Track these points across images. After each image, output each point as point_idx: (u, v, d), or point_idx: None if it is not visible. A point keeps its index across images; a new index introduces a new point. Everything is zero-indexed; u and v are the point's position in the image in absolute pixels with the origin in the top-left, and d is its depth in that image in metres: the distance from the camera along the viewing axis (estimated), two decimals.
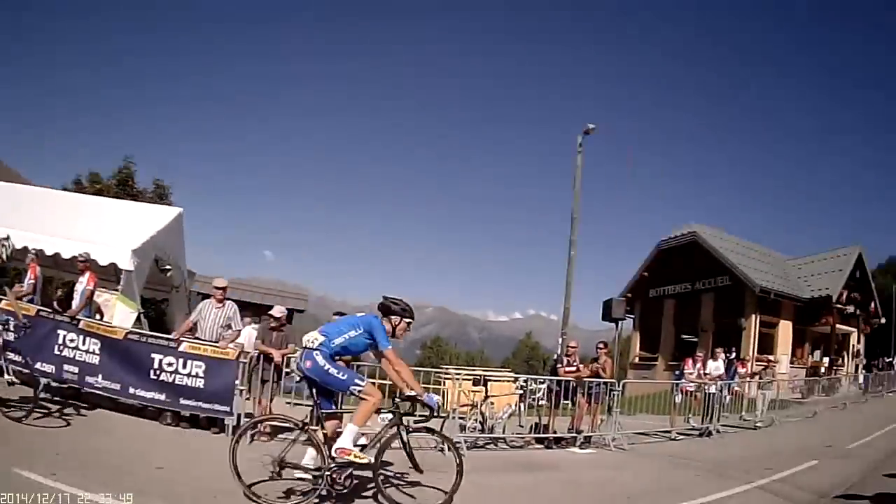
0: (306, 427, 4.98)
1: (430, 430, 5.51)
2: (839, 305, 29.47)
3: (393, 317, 5.23)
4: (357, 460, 4.70)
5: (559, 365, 10.92)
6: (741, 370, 16.74)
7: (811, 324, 29.69)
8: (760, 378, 16.55)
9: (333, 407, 5.32)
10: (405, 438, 5.10)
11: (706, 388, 12.81)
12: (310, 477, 4.82)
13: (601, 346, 11.26)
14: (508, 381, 12.67)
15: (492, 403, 9.90)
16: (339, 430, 4.99)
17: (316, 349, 4.87)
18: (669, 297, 30.81)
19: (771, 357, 25.15)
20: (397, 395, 5.31)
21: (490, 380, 10.90)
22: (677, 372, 14.36)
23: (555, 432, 9.97)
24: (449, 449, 5.37)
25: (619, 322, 15.26)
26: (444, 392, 11.20)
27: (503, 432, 9.70)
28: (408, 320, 5.25)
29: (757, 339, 26.56)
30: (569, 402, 10.39)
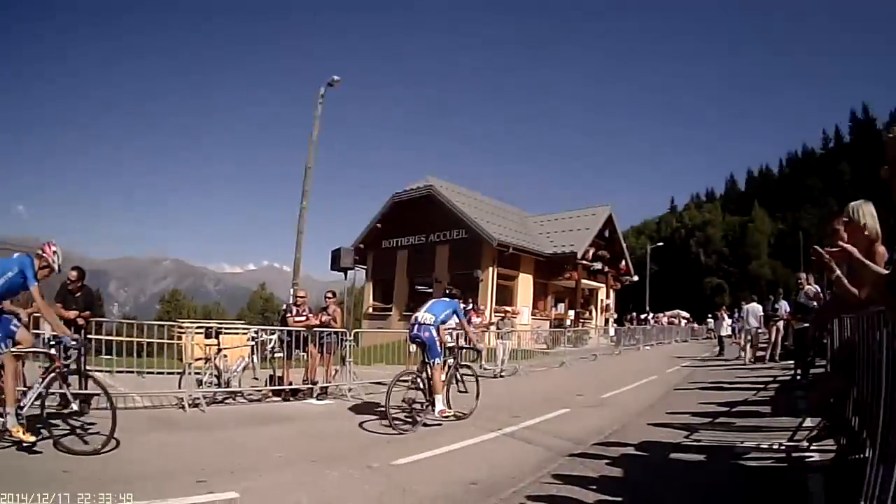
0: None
1: None
2: (585, 262, 31.61)
3: None
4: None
5: (288, 315, 10.92)
6: (476, 319, 16.12)
7: (554, 278, 31.79)
8: (498, 328, 16.78)
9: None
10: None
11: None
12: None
13: (329, 295, 11.65)
14: (240, 333, 12.42)
15: (225, 356, 10.00)
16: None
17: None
18: (403, 248, 31.86)
19: (509, 308, 25.59)
20: None
21: (221, 332, 10.89)
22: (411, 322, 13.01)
23: (290, 384, 10.09)
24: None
25: (348, 272, 15.26)
26: (182, 347, 10.67)
27: (239, 386, 9.88)
28: None
29: (495, 291, 27.82)
30: (303, 352, 10.59)
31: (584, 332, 28.49)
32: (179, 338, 11.32)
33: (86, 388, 6.77)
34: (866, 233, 3.75)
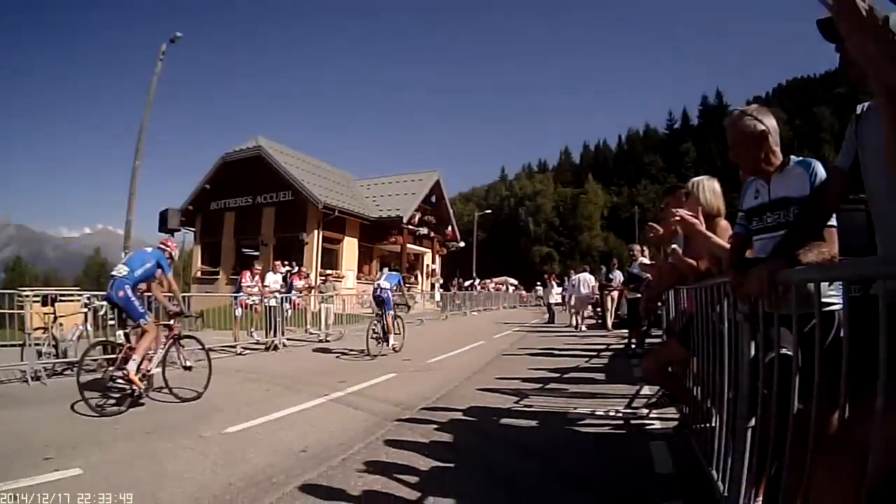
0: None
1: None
2: (411, 226, 32.44)
3: None
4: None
5: None
6: (298, 282, 16.01)
7: (379, 242, 32.49)
8: (321, 291, 16.66)
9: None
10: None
11: (266, 301, 13.38)
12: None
13: None
14: (75, 300, 11.69)
15: (61, 325, 9.78)
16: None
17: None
18: (230, 209, 31.37)
19: (332, 271, 25.85)
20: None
21: (56, 299, 10.57)
22: (237, 285, 14.50)
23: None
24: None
25: (175, 234, 16.22)
26: (24, 317, 10.03)
27: (76, 355, 9.23)
28: None
29: (320, 254, 28.14)
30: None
31: (411, 296, 28.95)
32: (21, 307, 10.79)
33: None
34: (700, 207, 3.86)
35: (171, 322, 7.64)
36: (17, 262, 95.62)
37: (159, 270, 7.31)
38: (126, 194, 17.34)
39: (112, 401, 6.53)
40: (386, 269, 14.02)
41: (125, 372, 6.52)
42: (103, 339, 10.10)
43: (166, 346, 7.42)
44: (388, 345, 11.65)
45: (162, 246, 7.66)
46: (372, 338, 11.38)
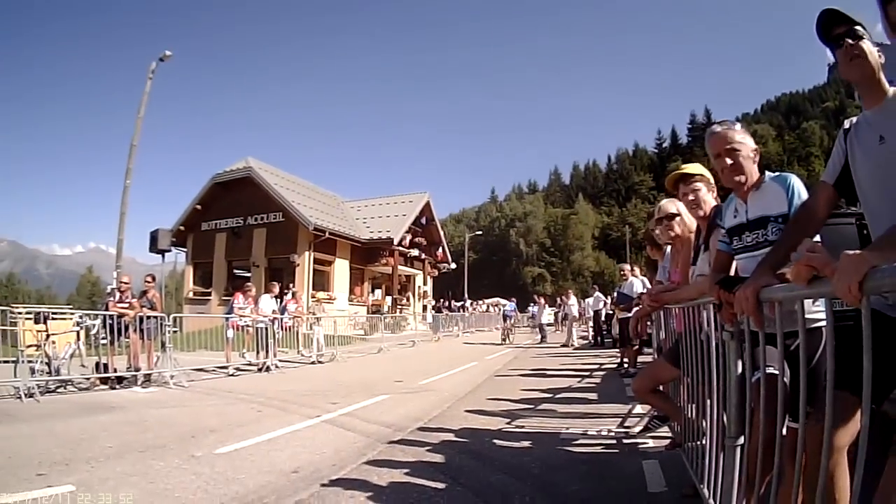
0: None
1: None
2: (402, 248, 32.78)
3: None
4: None
5: (111, 300, 11.16)
6: (292, 306, 16.35)
7: (370, 264, 32.62)
8: (314, 314, 17.35)
9: None
10: None
11: (256, 323, 13.51)
12: None
13: (148, 279, 11.78)
14: (67, 318, 12.04)
15: (53, 343, 9.99)
16: None
17: None
18: (222, 230, 31.20)
19: (323, 294, 27.05)
20: None
21: (49, 317, 10.52)
22: (229, 307, 14.79)
23: (115, 371, 10.37)
24: None
25: (165, 254, 15.57)
26: (16, 334, 10.45)
27: (68, 373, 10.07)
28: None
29: (311, 276, 28.06)
30: (126, 339, 10.83)
31: (402, 318, 29.61)
32: (14, 324, 11.16)
33: None
34: (685, 227, 4.05)
35: None
36: (10, 279, 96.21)
37: None
38: (118, 214, 17.47)
39: None
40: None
41: None
42: (96, 357, 10.64)
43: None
44: None
45: None
46: None
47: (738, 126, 2.82)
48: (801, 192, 2.56)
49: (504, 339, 22.62)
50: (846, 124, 2.14)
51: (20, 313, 10.53)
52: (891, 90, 2.00)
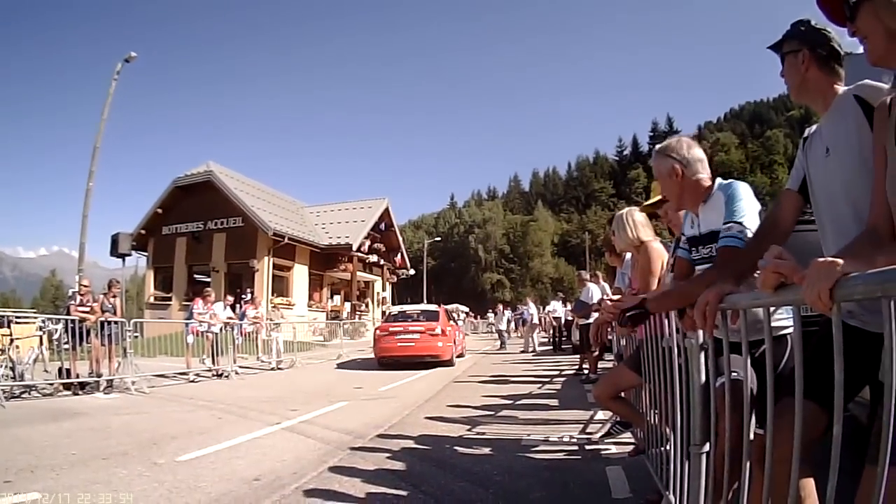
0: None
1: None
2: (361, 254, 33.04)
3: None
4: None
5: (72, 303, 10.99)
6: (251, 311, 16.13)
7: (329, 269, 32.86)
8: (271, 319, 17.12)
9: None
10: None
11: (213, 329, 13.55)
12: None
13: (111, 283, 11.60)
14: (31, 322, 12.00)
15: (17, 347, 10.03)
16: None
17: None
18: (182, 235, 30.93)
19: (283, 299, 27.42)
20: None
21: (12, 321, 10.76)
22: (189, 312, 14.69)
23: (77, 376, 10.39)
24: None
25: (126, 258, 15.62)
26: None
27: (32, 378, 10.03)
28: None
29: (270, 282, 28.22)
30: (88, 343, 10.82)
31: (362, 324, 29.90)
32: None
33: None
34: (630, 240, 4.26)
35: None
36: None
37: None
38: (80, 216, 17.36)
39: None
40: None
41: None
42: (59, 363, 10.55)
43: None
44: None
45: None
46: None
47: (656, 150, 2.89)
48: (738, 196, 2.55)
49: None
50: (805, 133, 2.16)
51: None
52: (840, 90, 2.02)
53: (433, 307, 16.95)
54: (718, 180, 2.75)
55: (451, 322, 17.25)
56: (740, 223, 2.44)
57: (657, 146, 2.91)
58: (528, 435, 6.00)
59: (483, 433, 6.29)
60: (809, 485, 1.79)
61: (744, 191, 2.60)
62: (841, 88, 2.03)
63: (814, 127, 2.13)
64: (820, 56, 2.04)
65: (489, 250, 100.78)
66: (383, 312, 34.86)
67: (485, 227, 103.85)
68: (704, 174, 2.78)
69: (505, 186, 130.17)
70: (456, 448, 5.59)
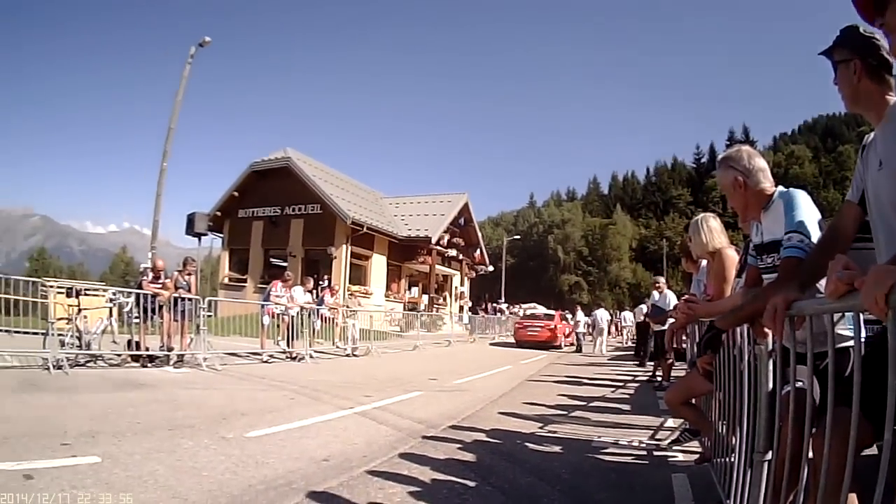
0: None
1: None
2: (440, 247, 32.90)
3: None
4: None
5: (144, 279, 11.25)
6: (329, 298, 16.10)
7: (408, 261, 32.74)
8: (348, 307, 17.24)
9: None
10: None
11: (290, 312, 13.50)
12: None
13: (186, 261, 11.74)
14: (100, 294, 12.32)
15: (85, 317, 10.03)
16: None
17: None
18: (259, 218, 31.28)
19: (360, 288, 27.52)
20: None
21: (81, 292, 10.74)
22: (266, 294, 14.64)
23: (147, 349, 10.53)
24: None
25: (202, 237, 16.38)
26: (46, 306, 10.16)
27: (99, 349, 10.09)
28: None
29: (348, 270, 28.16)
30: (160, 318, 11.01)
31: (439, 317, 29.53)
32: (45, 297, 10.99)
33: None
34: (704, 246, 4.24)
35: None
36: (41, 253, 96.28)
37: None
38: (154, 195, 18.02)
39: None
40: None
41: None
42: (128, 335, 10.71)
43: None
44: None
45: None
46: None
47: (718, 161, 2.97)
48: (796, 204, 2.56)
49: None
50: (865, 140, 2.12)
51: (51, 286, 10.54)
52: (892, 100, 1.99)
53: (551, 311, 27.89)
54: (779, 188, 2.77)
55: (563, 321, 25.64)
56: (801, 232, 2.45)
57: (719, 157, 2.95)
58: (599, 437, 5.99)
59: (554, 431, 6.30)
60: (851, 499, 1.76)
61: (802, 198, 2.61)
62: (892, 99, 2.00)
63: (871, 135, 2.08)
64: (871, 66, 2.02)
65: (568, 251, 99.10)
66: (461, 307, 35.13)
67: (564, 227, 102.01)
68: (767, 183, 2.80)
69: (584, 188, 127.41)
70: (527, 444, 5.61)
